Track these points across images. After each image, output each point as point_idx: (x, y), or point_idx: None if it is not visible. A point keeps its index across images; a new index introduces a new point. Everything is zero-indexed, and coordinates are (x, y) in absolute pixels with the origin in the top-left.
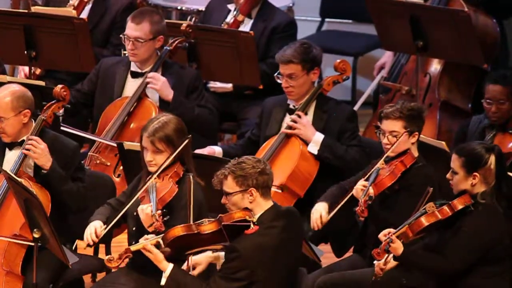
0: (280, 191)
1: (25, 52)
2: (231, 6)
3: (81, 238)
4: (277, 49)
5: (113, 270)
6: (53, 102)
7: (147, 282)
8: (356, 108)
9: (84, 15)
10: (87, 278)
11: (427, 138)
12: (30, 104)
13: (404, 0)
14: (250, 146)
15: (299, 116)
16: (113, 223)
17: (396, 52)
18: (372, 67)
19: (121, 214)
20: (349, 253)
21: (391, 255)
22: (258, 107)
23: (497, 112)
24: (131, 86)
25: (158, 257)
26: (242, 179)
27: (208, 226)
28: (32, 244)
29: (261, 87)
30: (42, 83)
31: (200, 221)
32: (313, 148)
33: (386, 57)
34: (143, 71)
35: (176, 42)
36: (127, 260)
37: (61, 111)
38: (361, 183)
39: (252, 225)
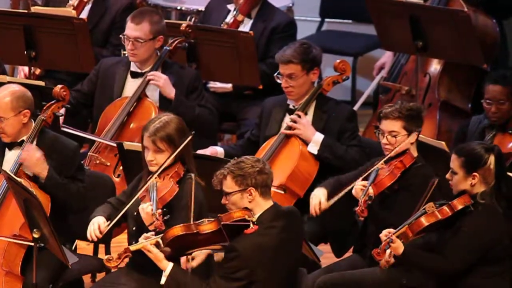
0: (282, 192)
1: (25, 52)
2: (230, 6)
3: (81, 238)
4: (276, 49)
5: (112, 270)
6: (52, 102)
7: (147, 282)
8: (356, 108)
9: (83, 15)
10: (86, 278)
11: (427, 138)
12: (30, 104)
13: (404, 0)
14: (250, 146)
15: (299, 116)
16: (116, 220)
17: (396, 52)
18: (372, 67)
19: (124, 211)
20: (348, 253)
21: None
22: (257, 107)
23: (497, 112)
24: (131, 86)
25: (158, 257)
26: (241, 179)
27: (207, 226)
28: (32, 244)
29: (260, 87)
30: (41, 83)
31: (200, 221)
32: (313, 148)
33: (385, 57)
34: (143, 71)
35: (176, 42)
36: (126, 260)
37: (61, 111)
38: (360, 183)
39: (251, 225)
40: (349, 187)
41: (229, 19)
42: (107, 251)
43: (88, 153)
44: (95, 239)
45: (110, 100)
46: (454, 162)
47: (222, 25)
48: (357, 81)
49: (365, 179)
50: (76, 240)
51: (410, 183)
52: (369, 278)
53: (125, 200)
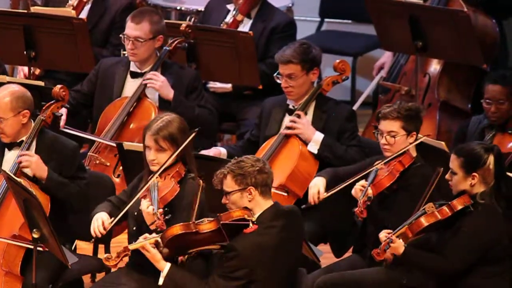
0: (285, 194)
1: (25, 52)
2: (230, 6)
3: (81, 239)
4: (276, 49)
5: (112, 269)
6: (52, 102)
7: (147, 282)
8: (355, 108)
9: (83, 15)
10: (86, 278)
11: (427, 138)
12: (30, 104)
13: (404, 0)
14: (250, 147)
15: (299, 116)
16: (119, 217)
17: (396, 52)
18: (372, 67)
19: (127, 208)
20: (348, 253)
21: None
22: (257, 107)
23: (497, 112)
24: (131, 86)
25: (156, 257)
26: (241, 178)
27: (207, 225)
28: (31, 246)
29: (260, 87)
30: (41, 83)
31: (199, 220)
32: (313, 148)
33: (385, 57)
34: (143, 71)
35: (176, 42)
36: (126, 258)
37: (61, 111)
38: (359, 183)
39: (251, 224)
40: (349, 182)
41: (229, 19)
42: (107, 251)
43: (88, 153)
44: (99, 235)
45: (110, 100)
46: (454, 162)
47: (221, 25)
48: (357, 81)
49: (362, 177)
50: (76, 240)
51: (409, 183)
52: (369, 278)
53: (125, 199)
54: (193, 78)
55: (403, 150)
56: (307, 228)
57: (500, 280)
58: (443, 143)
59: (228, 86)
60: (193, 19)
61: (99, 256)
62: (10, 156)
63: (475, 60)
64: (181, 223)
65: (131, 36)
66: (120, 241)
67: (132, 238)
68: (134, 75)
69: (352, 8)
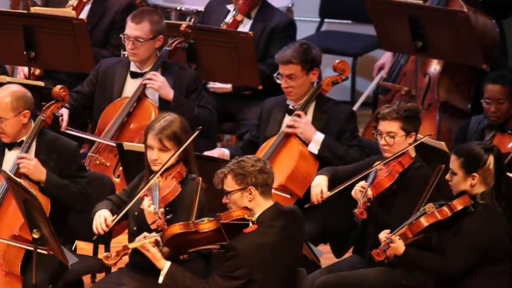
0: (289, 196)
1: (25, 52)
2: (230, 7)
3: (81, 239)
4: (276, 50)
5: (112, 269)
6: (52, 102)
7: (148, 282)
8: (355, 108)
9: (83, 15)
10: (86, 279)
11: (427, 138)
12: (30, 104)
13: (404, 1)
14: (250, 148)
15: (299, 116)
16: (121, 215)
17: (396, 52)
18: (372, 67)
19: (129, 206)
20: (348, 254)
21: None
22: (257, 107)
23: (496, 111)
24: (131, 86)
25: (155, 256)
26: (241, 178)
27: (206, 225)
28: (32, 248)
29: (260, 87)
30: (41, 83)
31: (199, 220)
32: (314, 148)
33: (385, 57)
34: (143, 72)
35: (176, 42)
36: (125, 257)
37: (61, 111)
38: (359, 184)
39: (250, 224)
40: (352, 181)
41: (229, 19)
42: (107, 251)
43: (88, 154)
44: (102, 233)
45: (110, 101)
46: (454, 162)
47: (221, 25)
48: (357, 82)
49: (362, 178)
50: (76, 241)
51: (408, 183)
52: (369, 278)
53: (125, 198)
54: (193, 78)
55: (402, 151)
56: (307, 229)
57: (500, 281)
58: (443, 143)
59: (228, 86)
60: (193, 19)
61: (99, 256)
62: (10, 156)
63: (475, 60)
64: (181, 223)
65: (131, 36)
66: (120, 241)
67: (133, 238)
68: (134, 75)
69: (352, 9)
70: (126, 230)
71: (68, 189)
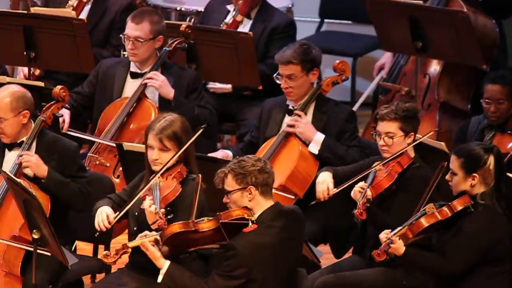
0: (293, 197)
1: (25, 53)
2: (230, 7)
3: (81, 239)
4: (276, 50)
5: (112, 269)
6: (52, 103)
7: (148, 283)
8: (355, 108)
9: (83, 15)
10: (86, 279)
11: (427, 139)
12: (30, 105)
13: (404, 1)
14: (250, 149)
15: (299, 116)
16: (123, 212)
17: (395, 53)
18: (372, 67)
19: (130, 204)
20: (348, 254)
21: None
22: (257, 107)
23: (496, 111)
24: (131, 86)
25: (155, 254)
26: (241, 177)
27: (206, 224)
28: (31, 249)
29: (260, 87)
30: (41, 84)
31: (199, 219)
32: (314, 148)
33: (385, 58)
34: (143, 72)
35: (176, 42)
36: (125, 256)
37: (61, 112)
38: (358, 185)
39: (250, 224)
40: (356, 178)
41: (229, 19)
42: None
43: (88, 154)
44: (104, 229)
45: (110, 101)
46: (454, 163)
47: (221, 25)
48: (357, 82)
49: (361, 179)
50: (76, 241)
51: (408, 183)
52: (369, 279)
53: (125, 198)
54: (193, 78)
55: (401, 151)
56: (307, 229)
57: (500, 281)
58: (443, 143)
59: (228, 86)
60: (193, 19)
61: (99, 257)
62: (10, 157)
63: (475, 60)
64: (180, 222)
65: (131, 36)
66: (120, 241)
67: (133, 238)
68: (134, 75)
69: (352, 9)
70: (126, 231)
71: (69, 187)
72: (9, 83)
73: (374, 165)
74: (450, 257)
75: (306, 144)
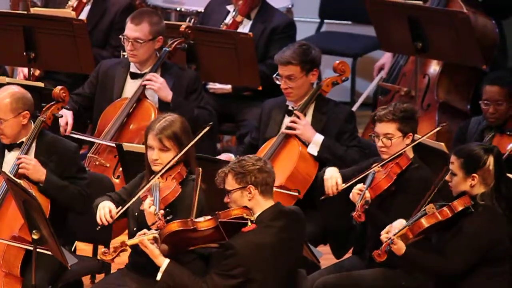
0: (296, 193)
1: (24, 53)
2: (230, 7)
3: (80, 240)
4: (276, 50)
5: (112, 270)
6: (52, 103)
7: (147, 283)
8: (355, 109)
9: (83, 16)
10: (86, 279)
11: (426, 139)
12: (30, 105)
13: (403, 1)
14: (251, 151)
15: (298, 117)
16: (124, 208)
17: (395, 53)
18: (371, 68)
19: (131, 202)
20: (348, 255)
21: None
22: (257, 108)
23: (495, 113)
24: (131, 87)
25: (154, 252)
26: (241, 176)
27: (205, 223)
28: (31, 248)
29: (260, 88)
30: (41, 84)
31: (198, 218)
32: (313, 149)
33: (385, 58)
34: (143, 72)
35: (175, 43)
36: (125, 257)
37: (63, 113)
38: (357, 187)
39: (249, 223)
40: (363, 175)
41: (229, 20)
42: None
43: (88, 154)
44: (106, 223)
45: (110, 101)
46: (454, 163)
47: (221, 26)
48: (357, 82)
49: (359, 181)
50: (76, 242)
51: (407, 184)
52: (368, 279)
53: (125, 196)
54: (193, 79)
55: (399, 152)
56: (307, 229)
57: (500, 281)
58: (442, 144)
59: (228, 87)
60: (192, 20)
61: (99, 257)
62: (10, 158)
63: (475, 61)
64: (179, 220)
65: (130, 37)
66: (120, 241)
67: (133, 238)
68: (134, 76)
69: (351, 9)
70: (126, 231)
71: (68, 190)
72: (9, 83)
73: (372, 166)
74: (450, 257)
75: (305, 144)
